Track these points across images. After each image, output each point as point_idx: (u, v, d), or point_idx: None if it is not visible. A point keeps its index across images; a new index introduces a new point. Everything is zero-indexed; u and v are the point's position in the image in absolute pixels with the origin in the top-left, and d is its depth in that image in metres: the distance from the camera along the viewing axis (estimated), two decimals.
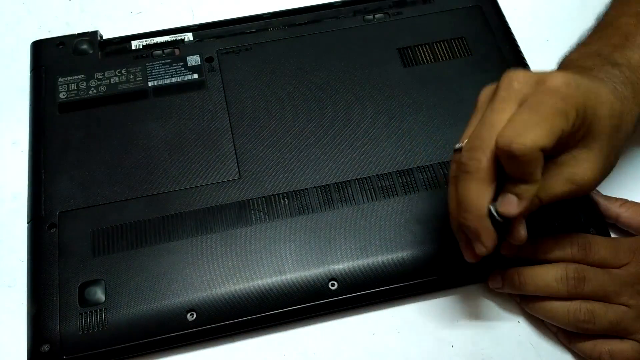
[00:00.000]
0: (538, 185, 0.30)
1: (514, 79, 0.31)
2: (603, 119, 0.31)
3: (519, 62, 0.46)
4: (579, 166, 0.32)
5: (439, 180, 0.41)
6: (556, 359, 0.37)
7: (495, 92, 0.32)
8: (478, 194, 0.30)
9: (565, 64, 0.37)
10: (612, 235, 0.40)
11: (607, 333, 0.35)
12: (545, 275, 0.36)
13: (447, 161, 0.41)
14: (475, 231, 0.31)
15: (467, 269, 0.38)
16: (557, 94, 0.30)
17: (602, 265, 0.36)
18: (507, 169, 0.30)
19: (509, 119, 0.30)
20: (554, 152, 0.31)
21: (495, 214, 0.31)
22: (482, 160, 0.30)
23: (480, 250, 0.31)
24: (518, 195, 0.30)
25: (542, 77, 0.31)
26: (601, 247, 0.36)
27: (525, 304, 0.37)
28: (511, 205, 0.30)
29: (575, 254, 0.36)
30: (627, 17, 0.37)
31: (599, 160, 0.32)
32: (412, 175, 0.41)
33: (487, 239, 0.31)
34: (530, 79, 0.31)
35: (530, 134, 0.29)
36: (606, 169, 0.33)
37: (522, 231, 0.32)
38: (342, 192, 0.40)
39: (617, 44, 0.36)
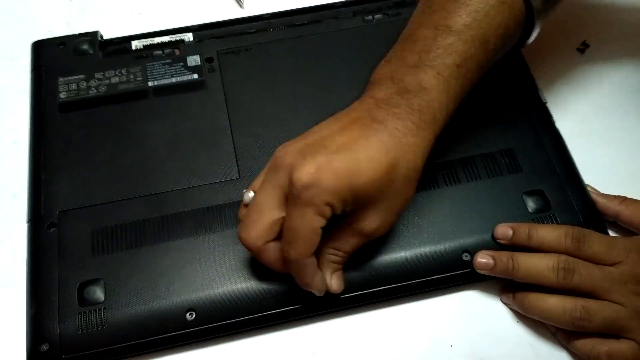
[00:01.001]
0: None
1: (279, 166, 0.32)
2: (366, 185, 0.32)
3: (517, 59, 0.46)
4: (363, 222, 0.33)
5: (437, 180, 0.41)
6: (554, 359, 0.37)
7: (268, 171, 0.34)
8: (268, 261, 0.34)
9: (367, 88, 0.36)
10: (611, 234, 0.40)
11: (603, 331, 0.35)
12: (538, 263, 0.36)
13: (443, 161, 0.41)
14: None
15: (466, 269, 0.38)
16: (300, 202, 0.31)
17: (594, 260, 0.36)
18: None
19: (283, 232, 0.32)
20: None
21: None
22: (254, 238, 0.33)
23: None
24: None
25: (293, 173, 0.31)
26: (595, 241, 0.37)
27: (521, 304, 0.37)
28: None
29: (569, 245, 0.36)
30: (425, 30, 0.35)
31: (381, 209, 0.33)
32: None
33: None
34: (289, 168, 0.32)
35: (296, 250, 0.32)
36: (393, 210, 0.34)
37: (333, 285, 0.35)
38: None
39: (411, 64, 0.34)
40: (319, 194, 0.31)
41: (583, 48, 0.49)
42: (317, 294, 0.35)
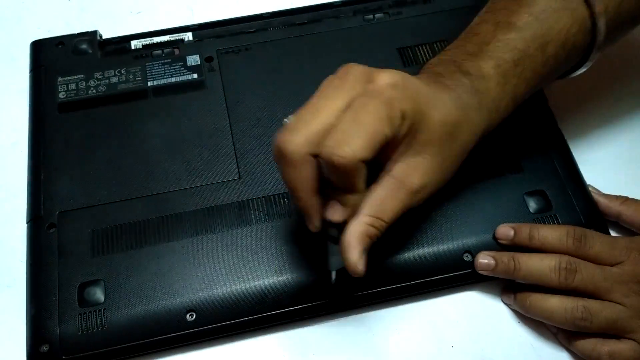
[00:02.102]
0: (362, 195, 0.30)
1: (350, 71, 0.31)
2: (434, 124, 0.31)
3: None
4: (414, 174, 0.32)
5: None
6: None
7: (329, 79, 0.31)
8: (296, 178, 0.30)
9: (423, 69, 0.36)
10: (613, 234, 0.40)
11: (605, 331, 0.35)
12: (539, 263, 0.36)
13: None
14: (306, 211, 0.31)
15: (467, 270, 0.38)
16: (382, 97, 0.30)
17: (595, 260, 0.36)
18: (331, 178, 0.30)
19: (334, 128, 0.29)
20: (380, 158, 0.31)
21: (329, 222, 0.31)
22: (299, 143, 0.29)
23: (312, 227, 0.32)
24: (342, 203, 0.30)
25: (374, 75, 0.31)
26: (597, 241, 0.37)
27: (522, 304, 0.37)
28: (336, 212, 0.30)
29: (570, 245, 0.36)
30: (487, 25, 0.36)
31: (432, 166, 0.32)
32: None
33: (316, 217, 0.31)
34: (363, 75, 0.31)
35: (351, 145, 0.28)
36: (441, 176, 0.33)
37: (359, 265, 0.30)
38: None
39: (471, 52, 0.35)
40: (401, 98, 0.30)
41: None
42: (348, 261, 0.30)
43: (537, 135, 0.42)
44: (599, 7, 0.35)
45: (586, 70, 0.39)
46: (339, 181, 0.30)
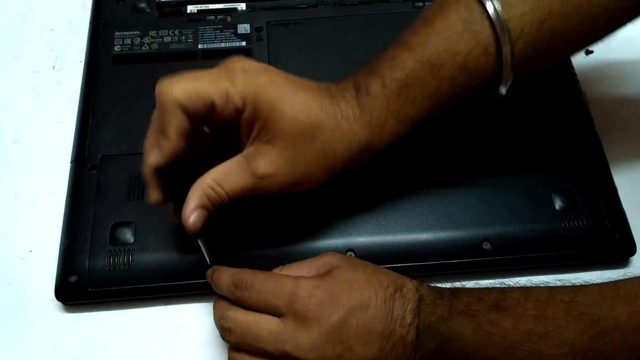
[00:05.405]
0: (174, 145, 0.32)
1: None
2: (284, 118, 0.32)
3: (565, 65, 0.46)
4: (260, 160, 0.33)
5: (468, 168, 0.41)
6: None
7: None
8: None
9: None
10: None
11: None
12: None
13: (477, 151, 0.41)
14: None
15: (484, 257, 0.38)
16: (227, 71, 0.32)
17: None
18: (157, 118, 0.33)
19: None
20: (213, 123, 0.33)
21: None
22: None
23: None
24: (159, 148, 0.32)
25: (235, 57, 0.34)
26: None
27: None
28: (152, 155, 0.33)
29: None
30: (393, 44, 0.35)
31: (281, 158, 0.32)
32: None
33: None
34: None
35: (174, 84, 0.32)
36: (291, 171, 0.33)
37: (191, 218, 0.33)
38: None
39: (370, 68, 0.35)
40: (244, 81, 0.32)
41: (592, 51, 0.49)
42: (183, 213, 0.33)
43: (573, 136, 0.42)
44: (511, 27, 0.32)
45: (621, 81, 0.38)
46: (159, 120, 0.32)
